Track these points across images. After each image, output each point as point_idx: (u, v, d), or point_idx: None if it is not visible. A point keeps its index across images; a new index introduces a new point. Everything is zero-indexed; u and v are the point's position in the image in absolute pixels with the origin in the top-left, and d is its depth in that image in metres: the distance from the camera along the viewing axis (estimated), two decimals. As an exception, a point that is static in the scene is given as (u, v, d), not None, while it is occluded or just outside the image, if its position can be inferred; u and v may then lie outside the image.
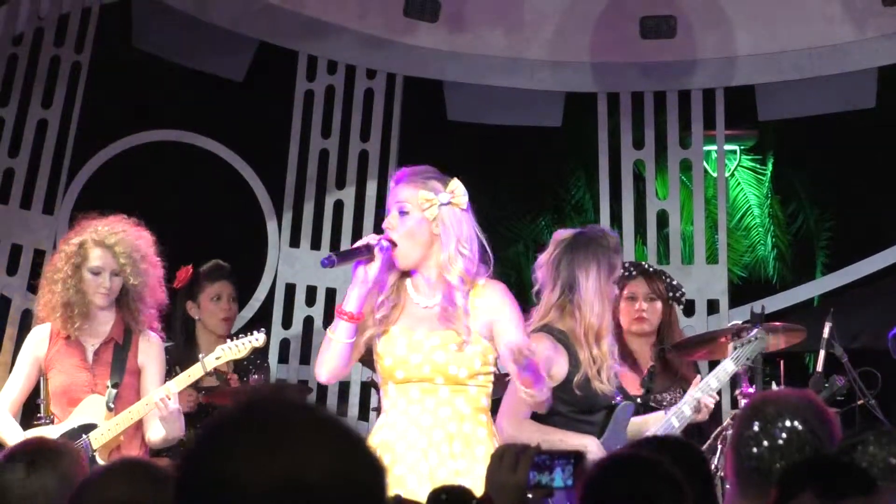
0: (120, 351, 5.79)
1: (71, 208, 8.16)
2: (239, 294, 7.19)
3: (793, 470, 3.03)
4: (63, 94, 8.25)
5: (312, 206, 8.72)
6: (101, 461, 5.63)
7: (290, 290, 8.67)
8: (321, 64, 8.80)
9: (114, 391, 5.74)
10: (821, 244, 11.73)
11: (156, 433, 5.73)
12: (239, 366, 6.67)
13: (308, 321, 8.60)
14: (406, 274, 4.88)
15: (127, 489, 2.66)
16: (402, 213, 4.81)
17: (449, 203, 4.83)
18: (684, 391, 5.98)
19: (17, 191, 8.15)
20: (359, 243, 4.82)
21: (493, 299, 4.84)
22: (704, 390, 5.77)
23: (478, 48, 8.77)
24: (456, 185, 4.87)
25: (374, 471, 1.58)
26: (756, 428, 3.42)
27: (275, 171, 8.74)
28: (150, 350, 5.84)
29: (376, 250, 4.72)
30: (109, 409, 5.72)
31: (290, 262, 8.70)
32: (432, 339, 4.80)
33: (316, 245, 8.71)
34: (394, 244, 4.79)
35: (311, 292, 8.65)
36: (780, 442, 3.38)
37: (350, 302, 4.76)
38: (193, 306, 6.87)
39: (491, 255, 4.92)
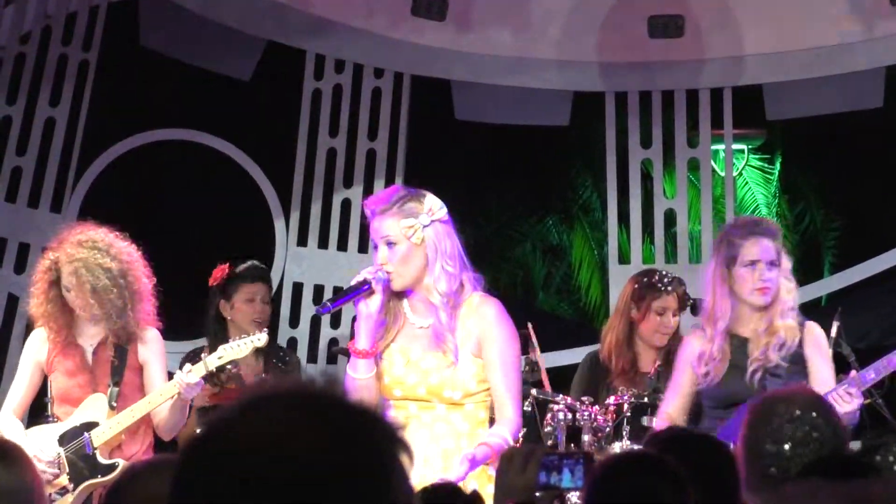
0: (119, 349, 5.78)
1: (79, 207, 8.18)
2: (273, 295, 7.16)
3: (807, 467, 3.05)
4: (70, 92, 8.26)
5: (320, 205, 8.72)
6: (101, 459, 5.64)
7: (298, 288, 8.67)
8: (329, 63, 8.80)
9: (115, 389, 5.73)
10: (828, 243, 11.71)
11: (162, 411, 5.70)
12: (267, 360, 6.64)
13: (315, 320, 8.60)
14: (403, 294, 4.93)
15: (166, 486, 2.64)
16: (391, 245, 4.85)
17: (431, 222, 4.87)
18: None
19: (24, 189, 8.16)
20: (355, 280, 4.86)
21: (485, 320, 4.86)
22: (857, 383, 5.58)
23: (485, 47, 8.77)
24: (431, 200, 4.90)
25: (372, 457, 1.58)
26: (766, 426, 3.44)
27: (282, 169, 8.75)
28: (150, 345, 5.82)
29: (373, 283, 4.80)
30: (112, 407, 5.71)
31: (297, 262, 8.70)
32: (427, 359, 4.87)
33: (323, 244, 8.71)
34: (388, 274, 4.84)
35: (318, 291, 8.65)
36: (790, 439, 3.40)
37: (361, 339, 4.85)
38: (226, 306, 6.79)
39: (468, 263, 4.95)
